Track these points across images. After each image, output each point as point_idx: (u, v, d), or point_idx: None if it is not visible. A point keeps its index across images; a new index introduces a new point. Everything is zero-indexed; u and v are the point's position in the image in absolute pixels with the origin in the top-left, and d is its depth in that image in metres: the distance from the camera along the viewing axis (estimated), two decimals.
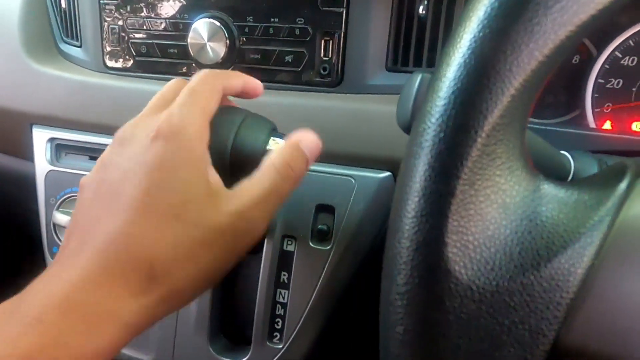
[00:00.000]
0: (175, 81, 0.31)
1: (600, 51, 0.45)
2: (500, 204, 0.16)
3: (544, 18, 0.14)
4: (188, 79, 0.30)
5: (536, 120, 0.47)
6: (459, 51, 0.15)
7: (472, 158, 0.15)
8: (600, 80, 0.45)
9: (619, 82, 0.44)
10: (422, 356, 0.15)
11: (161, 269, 0.24)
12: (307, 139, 0.30)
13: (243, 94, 0.34)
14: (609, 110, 0.46)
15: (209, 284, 0.27)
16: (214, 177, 0.27)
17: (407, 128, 0.28)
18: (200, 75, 0.30)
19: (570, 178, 0.30)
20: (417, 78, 0.27)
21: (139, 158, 0.25)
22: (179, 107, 0.27)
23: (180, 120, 0.26)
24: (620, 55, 0.44)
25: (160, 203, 0.25)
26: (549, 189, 0.16)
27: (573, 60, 0.46)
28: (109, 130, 0.48)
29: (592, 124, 0.47)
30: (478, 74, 0.15)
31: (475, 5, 0.15)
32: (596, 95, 0.45)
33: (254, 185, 0.27)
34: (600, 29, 0.44)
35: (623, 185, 0.16)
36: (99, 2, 0.49)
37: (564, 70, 0.46)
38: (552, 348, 0.15)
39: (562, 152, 0.32)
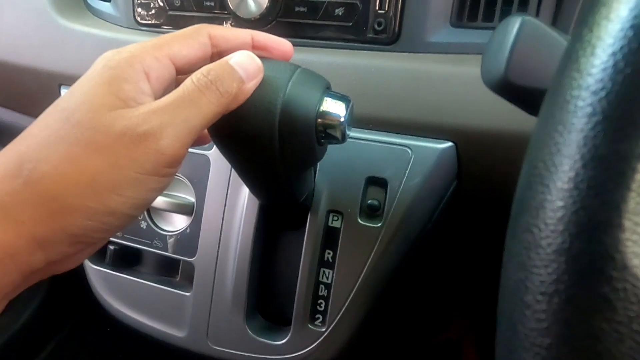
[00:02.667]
0: (195, 27, 0.27)
1: None
2: None
3: None
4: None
5: None
6: None
7: None
8: None
9: None
10: None
11: (29, 166, 0.22)
12: (240, 56, 0.26)
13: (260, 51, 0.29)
14: None
15: (109, 204, 0.23)
16: (132, 92, 0.24)
17: (498, 85, 0.23)
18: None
19: None
20: (517, 21, 0.22)
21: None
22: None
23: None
24: None
25: (56, 109, 0.24)
26: None
27: None
28: None
29: None
30: None
31: None
32: None
33: (166, 96, 0.24)
34: None
35: None
36: None
37: None
38: None
39: None
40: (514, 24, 0.22)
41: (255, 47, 0.29)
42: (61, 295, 0.79)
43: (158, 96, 0.25)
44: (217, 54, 0.28)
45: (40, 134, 0.23)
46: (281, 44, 0.29)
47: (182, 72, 0.27)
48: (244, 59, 0.26)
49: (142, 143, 0.22)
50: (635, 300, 0.11)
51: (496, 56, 0.23)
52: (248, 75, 0.26)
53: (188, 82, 0.24)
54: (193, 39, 0.26)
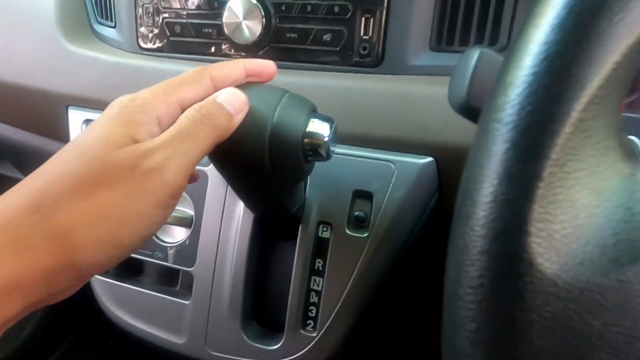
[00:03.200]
0: (197, 70, 0.30)
1: None
2: (592, 189, 0.14)
3: None
4: (219, 58, 0.29)
5: None
6: (552, 10, 0.13)
7: (564, 135, 0.13)
8: None
9: None
10: (498, 358, 0.14)
11: (47, 202, 0.23)
12: (226, 93, 0.28)
13: (252, 79, 0.32)
14: None
15: (117, 237, 0.24)
16: (144, 134, 0.26)
17: (461, 108, 0.26)
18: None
19: None
20: (476, 53, 0.25)
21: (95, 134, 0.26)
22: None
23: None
24: None
25: (72, 147, 0.25)
26: None
27: None
28: None
29: None
30: (576, 36, 0.13)
31: None
32: None
33: (166, 132, 0.26)
34: None
35: None
36: None
37: None
38: None
39: (629, 137, 0.29)
40: (473, 55, 0.25)
41: (248, 76, 0.32)
42: (64, 306, 0.80)
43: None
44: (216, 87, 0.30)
45: (56, 170, 0.24)
46: (267, 67, 0.32)
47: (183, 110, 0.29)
48: (230, 97, 0.28)
49: (149, 177, 0.24)
50: (541, 291, 0.13)
51: (459, 83, 0.26)
52: (235, 110, 0.28)
53: (184, 119, 0.26)
54: (198, 82, 0.29)
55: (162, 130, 0.27)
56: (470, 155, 0.16)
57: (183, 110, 0.28)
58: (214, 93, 0.29)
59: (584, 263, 0.13)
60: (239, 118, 0.29)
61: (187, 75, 0.29)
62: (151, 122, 0.26)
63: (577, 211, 0.14)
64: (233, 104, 0.28)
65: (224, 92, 0.29)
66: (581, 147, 0.13)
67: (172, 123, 0.27)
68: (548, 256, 0.13)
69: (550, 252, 0.13)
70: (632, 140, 0.29)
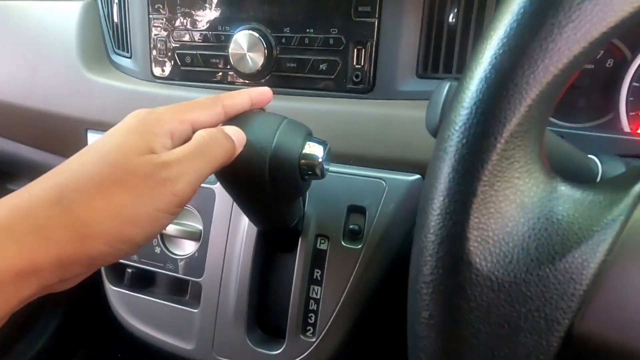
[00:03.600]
0: (212, 98, 0.34)
1: (635, 54, 0.45)
2: (518, 203, 0.17)
3: (558, 36, 0.16)
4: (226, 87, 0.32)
5: (569, 125, 0.47)
6: (481, 66, 0.17)
7: (492, 162, 0.17)
8: (635, 84, 0.45)
9: None
10: (446, 338, 0.17)
11: (68, 196, 0.25)
12: (233, 129, 0.32)
13: (255, 105, 0.36)
14: None
15: (127, 233, 0.26)
16: (158, 145, 0.28)
17: (435, 133, 0.30)
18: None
19: (598, 181, 0.31)
20: (446, 86, 0.29)
21: (115, 141, 0.28)
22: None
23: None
24: None
25: (92, 149, 0.27)
26: (566, 190, 0.18)
27: (607, 64, 0.46)
28: None
29: (627, 128, 0.46)
30: (498, 86, 0.16)
31: (496, 25, 0.17)
32: (631, 98, 0.45)
33: (181, 147, 0.29)
34: (635, 33, 0.44)
35: (638, 187, 0.17)
36: (148, 17, 0.53)
37: (598, 74, 0.46)
38: (566, 335, 0.16)
39: (589, 156, 0.33)
40: (444, 88, 0.29)
41: (252, 104, 0.36)
42: (77, 317, 0.83)
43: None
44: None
45: (78, 168, 0.27)
46: (266, 95, 0.36)
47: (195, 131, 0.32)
48: (236, 132, 0.32)
49: (163, 186, 0.27)
50: (478, 284, 0.17)
51: (433, 112, 0.30)
52: (238, 142, 0.32)
53: (200, 138, 0.30)
54: (211, 109, 0.32)
55: (174, 145, 0.30)
56: (426, 177, 0.20)
57: (194, 131, 0.31)
58: (224, 119, 0.33)
59: (512, 262, 0.17)
60: (240, 149, 0.33)
61: (202, 100, 0.33)
62: (165, 135, 0.29)
63: (506, 221, 0.17)
64: (236, 137, 0.32)
65: (231, 128, 0.33)
66: (506, 170, 0.17)
67: (183, 140, 0.30)
68: (483, 257, 0.17)
69: (485, 254, 0.17)
70: (591, 159, 0.32)
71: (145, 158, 0.27)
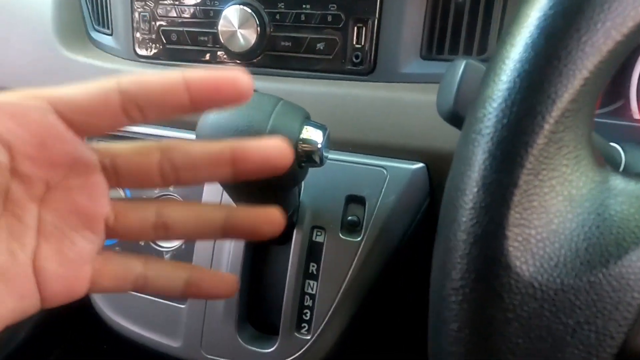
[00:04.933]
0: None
1: None
2: (565, 195, 0.15)
3: None
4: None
5: None
6: (525, 30, 0.14)
7: (538, 146, 0.14)
8: None
9: None
10: (478, 355, 0.15)
11: None
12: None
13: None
14: None
15: None
16: None
17: (449, 117, 0.27)
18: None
19: (621, 170, 0.28)
20: (462, 64, 0.26)
21: None
22: None
23: None
24: None
25: None
26: (618, 182, 0.15)
27: None
28: None
29: (637, 115, 0.45)
30: (547, 54, 0.14)
31: None
32: None
33: None
34: None
35: None
36: None
37: None
38: (619, 351, 0.14)
39: (611, 144, 0.30)
40: (460, 66, 0.26)
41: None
42: (58, 312, 0.80)
43: None
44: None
45: None
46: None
47: None
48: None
49: None
50: (517, 292, 0.14)
51: (446, 93, 0.27)
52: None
53: None
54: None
55: None
56: (453, 164, 0.17)
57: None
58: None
59: (558, 266, 0.14)
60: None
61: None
62: None
63: (551, 217, 0.14)
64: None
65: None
66: (554, 157, 0.14)
67: None
68: (524, 259, 0.14)
69: (526, 256, 0.14)
70: (613, 147, 0.30)
71: None
